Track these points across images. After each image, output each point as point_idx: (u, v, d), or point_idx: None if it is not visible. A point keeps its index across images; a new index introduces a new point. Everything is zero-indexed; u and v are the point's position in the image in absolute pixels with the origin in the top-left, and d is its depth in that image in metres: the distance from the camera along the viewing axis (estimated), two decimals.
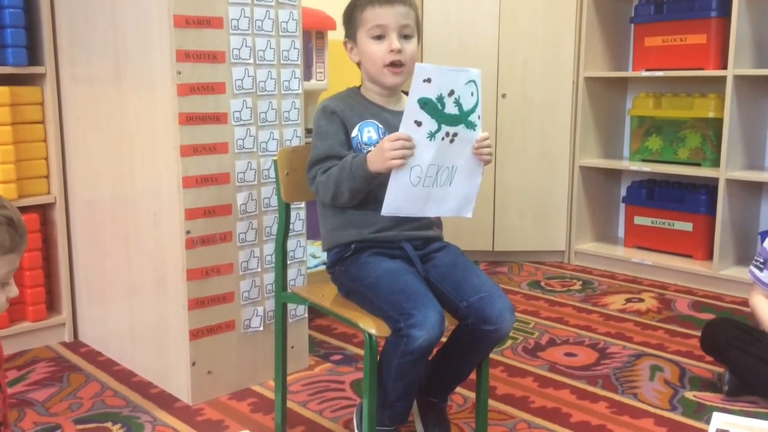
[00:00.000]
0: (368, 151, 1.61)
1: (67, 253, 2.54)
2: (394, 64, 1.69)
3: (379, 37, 1.69)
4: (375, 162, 1.57)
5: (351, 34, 1.75)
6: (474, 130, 1.60)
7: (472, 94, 1.58)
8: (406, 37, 1.70)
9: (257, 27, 2.06)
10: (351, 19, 1.74)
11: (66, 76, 2.43)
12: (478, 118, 1.61)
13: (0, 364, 1.35)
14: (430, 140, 1.55)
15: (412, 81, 1.51)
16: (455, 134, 1.57)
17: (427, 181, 1.57)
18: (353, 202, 1.68)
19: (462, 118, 1.57)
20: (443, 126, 1.55)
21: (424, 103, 1.52)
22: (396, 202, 1.57)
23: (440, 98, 1.53)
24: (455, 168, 1.60)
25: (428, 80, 1.51)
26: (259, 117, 2.10)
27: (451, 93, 1.54)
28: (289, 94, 2.17)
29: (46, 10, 2.40)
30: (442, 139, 1.56)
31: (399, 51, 1.68)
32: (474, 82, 1.58)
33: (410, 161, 1.54)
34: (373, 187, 1.64)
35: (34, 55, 2.43)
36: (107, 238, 2.35)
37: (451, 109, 1.55)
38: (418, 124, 1.53)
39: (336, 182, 1.65)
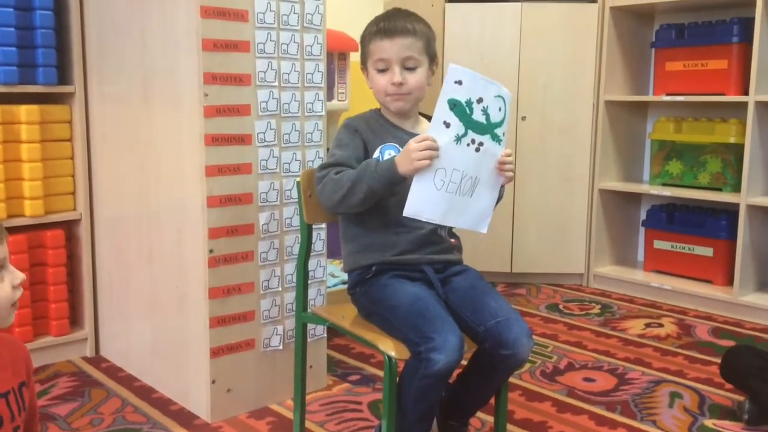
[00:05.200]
0: (395, 155, 1.63)
1: (91, 269, 2.58)
2: (396, 94, 1.73)
3: (383, 70, 1.73)
4: (403, 164, 1.58)
5: (363, 62, 1.80)
6: (499, 144, 1.63)
7: (499, 109, 1.62)
8: (409, 68, 1.73)
9: (283, 50, 2.10)
10: (362, 49, 1.80)
11: (94, 96, 2.48)
12: (504, 134, 1.64)
13: (30, 378, 1.36)
14: (457, 143, 1.57)
15: (444, 80, 1.54)
16: (481, 144, 1.59)
17: (450, 187, 1.58)
18: (362, 206, 1.67)
19: (489, 128, 1.60)
20: (470, 132, 1.57)
21: (453, 105, 1.55)
22: (418, 204, 1.57)
23: (469, 103, 1.56)
24: (478, 180, 1.62)
25: (459, 82, 1.55)
26: (282, 138, 2.13)
27: (480, 101, 1.57)
28: (313, 116, 2.20)
29: (76, 31, 2.46)
30: (468, 145, 1.58)
31: (400, 84, 1.71)
32: (503, 98, 1.63)
33: (436, 163, 1.56)
34: (389, 194, 1.65)
35: (63, 75, 2.49)
36: (131, 255, 2.38)
37: (478, 116, 1.58)
38: (447, 125, 1.56)
39: (354, 180, 1.63)
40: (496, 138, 1.62)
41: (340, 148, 1.74)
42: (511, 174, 1.66)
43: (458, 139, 1.57)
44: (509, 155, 1.65)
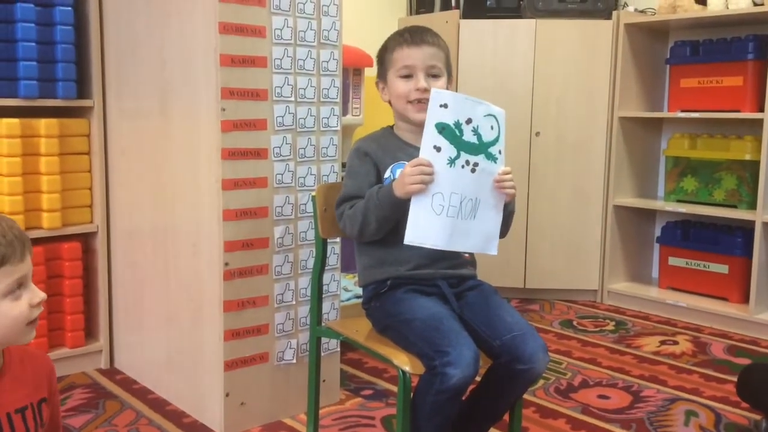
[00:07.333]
0: (394, 180, 1.64)
1: (107, 282, 2.60)
2: (419, 101, 1.73)
3: (407, 77, 1.75)
4: (398, 188, 1.60)
5: (382, 74, 1.82)
6: (495, 163, 1.63)
7: (492, 128, 1.62)
8: (433, 76, 1.75)
9: (299, 66, 2.12)
10: (382, 60, 1.82)
11: (112, 110, 2.51)
12: (500, 152, 1.64)
13: (53, 394, 1.36)
14: (450, 166, 1.57)
15: (428, 106, 1.55)
16: (476, 164, 1.60)
17: (450, 211, 1.58)
18: (380, 233, 1.70)
19: (482, 148, 1.60)
20: (462, 153, 1.58)
21: (442, 128, 1.56)
22: (418, 231, 1.57)
23: (458, 124, 1.57)
24: (478, 201, 1.62)
25: (444, 105, 1.56)
26: (298, 153, 2.15)
27: (469, 121, 1.58)
28: (328, 131, 2.22)
29: (95, 46, 2.49)
30: (462, 167, 1.58)
31: (425, 90, 1.72)
32: (494, 117, 1.63)
33: (431, 188, 1.57)
34: (401, 216, 1.65)
35: (82, 89, 2.52)
36: (146, 268, 2.40)
37: (469, 137, 1.58)
38: (437, 149, 1.56)
39: (364, 212, 1.67)
40: (491, 157, 1.62)
41: (351, 177, 1.76)
42: (511, 191, 1.66)
43: (451, 161, 1.57)
44: (507, 173, 1.65)
